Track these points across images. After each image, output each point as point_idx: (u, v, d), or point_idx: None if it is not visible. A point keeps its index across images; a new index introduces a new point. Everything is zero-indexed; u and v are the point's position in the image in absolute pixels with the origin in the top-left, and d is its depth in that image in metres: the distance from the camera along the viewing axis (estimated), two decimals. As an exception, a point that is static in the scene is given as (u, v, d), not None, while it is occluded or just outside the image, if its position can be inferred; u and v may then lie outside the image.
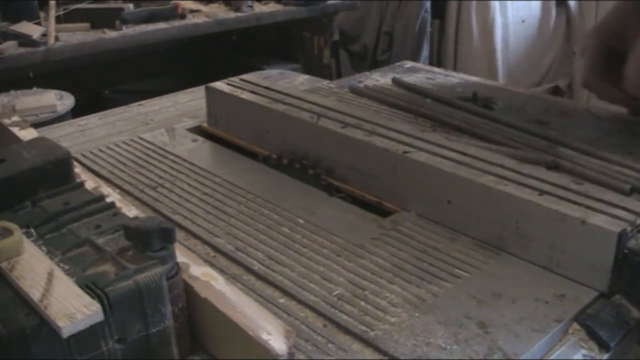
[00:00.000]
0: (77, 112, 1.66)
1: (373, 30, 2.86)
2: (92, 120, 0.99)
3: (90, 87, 2.51)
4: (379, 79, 1.12)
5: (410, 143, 0.72)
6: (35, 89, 1.88)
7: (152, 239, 0.45)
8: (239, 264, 0.61)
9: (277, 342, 0.43)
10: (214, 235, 0.66)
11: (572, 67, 3.07)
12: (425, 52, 2.79)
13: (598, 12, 2.92)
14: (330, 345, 0.50)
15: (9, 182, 0.53)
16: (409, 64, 1.23)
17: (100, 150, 0.86)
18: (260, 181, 0.78)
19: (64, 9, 2.09)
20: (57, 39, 1.95)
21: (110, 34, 2.06)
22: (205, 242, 0.65)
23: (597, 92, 0.84)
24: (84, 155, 0.85)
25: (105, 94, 2.72)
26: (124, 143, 0.88)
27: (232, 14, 2.31)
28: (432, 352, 0.49)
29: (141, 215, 0.57)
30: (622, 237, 0.54)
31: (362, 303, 0.55)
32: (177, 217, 0.69)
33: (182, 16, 2.23)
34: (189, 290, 0.48)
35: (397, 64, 1.24)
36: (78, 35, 2.03)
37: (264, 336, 0.43)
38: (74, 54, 1.98)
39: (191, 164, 0.81)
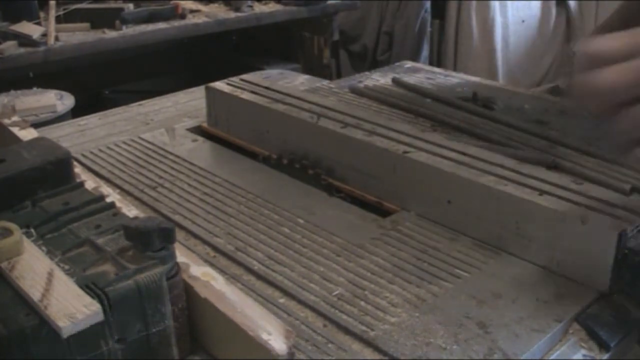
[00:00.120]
0: (77, 112, 1.66)
1: (373, 30, 2.86)
2: (92, 120, 0.99)
3: (90, 87, 2.51)
4: (379, 79, 1.12)
5: (410, 143, 0.72)
6: (35, 89, 1.88)
7: (152, 239, 0.45)
8: (239, 264, 0.61)
9: (277, 342, 0.43)
10: (214, 235, 0.66)
11: (572, 67, 3.07)
12: (425, 52, 2.79)
13: (598, 12, 2.92)
14: (330, 345, 0.50)
15: (9, 182, 0.53)
16: (409, 64, 1.23)
17: (100, 150, 0.86)
18: (260, 181, 0.78)
19: (64, 9, 2.09)
20: (57, 39, 1.95)
21: (110, 34, 2.06)
22: (205, 242, 0.65)
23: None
24: (84, 155, 0.85)
25: (105, 94, 2.72)
26: (124, 143, 0.88)
27: (232, 14, 2.31)
28: (432, 352, 0.49)
29: (141, 215, 0.57)
30: (622, 237, 0.54)
31: (362, 303, 0.55)
32: (177, 217, 0.69)
33: (182, 16, 2.23)
34: (189, 290, 0.48)
35: (397, 64, 1.24)
36: (78, 35, 2.03)
37: (264, 336, 0.43)
38: (74, 54, 1.98)
39: (191, 164, 0.81)
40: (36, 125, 0.77)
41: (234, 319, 0.45)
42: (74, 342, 0.40)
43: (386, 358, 0.49)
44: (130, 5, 2.21)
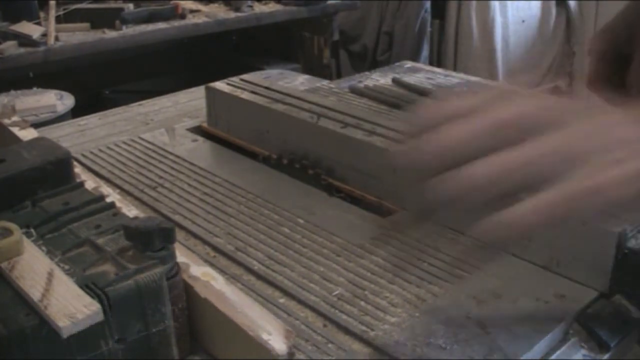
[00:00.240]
0: (77, 112, 1.66)
1: (373, 30, 2.87)
2: (92, 120, 0.99)
3: (90, 87, 2.51)
4: (379, 79, 1.12)
5: (410, 143, 0.72)
6: (35, 89, 1.88)
7: (152, 239, 0.45)
8: (239, 264, 0.61)
9: (277, 342, 0.43)
10: (214, 235, 0.66)
11: (572, 67, 3.07)
12: (425, 52, 2.79)
13: (598, 12, 2.92)
14: (330, 345, 0.50)
15: (9, 182, 0.53)
16: (409, 64, 1.23)
17: (100, 150, 0.86)
18: (260, 181, 0.78)
19: (64, 9, 2.10)
20: (57, 39, 1.96)
21: (110, 34, 2.06)
22: (205, 242, 0.65)
23: (601, 95, 0.83)
24: (84, 155, 0.85)
25: (105, 94, 2.72)
26: (124, 143, 0.88)
27: (232, 14, 2.31)
28: (432, 352, 0.49)
29: (141, 215, 0.57)
30: (622, 237, 0.54)
31: (362, 303, 0.55)
32: (177, 217, 0.69)
33: (182, 16, 2.23)
34: (189, 290, 0.48)
35: (397, 64, 1.24)
36: (78, 35, 2.03)
37: (264, 336, 0.43)
38: (74, 54, 1.98)
39: (191, 164, 0.81)
40: (36, 125, 0.77)
41: (234, 319, 0.45)
42: (74, 342, 0.40)
43: (386, 358, 0.49)
44: (130, 5, 2.21)
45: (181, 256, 0.49)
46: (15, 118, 0.72)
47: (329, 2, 2.49)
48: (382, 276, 0.58)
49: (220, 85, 0.92)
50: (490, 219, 0.39)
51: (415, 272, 0.59)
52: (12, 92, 1.85)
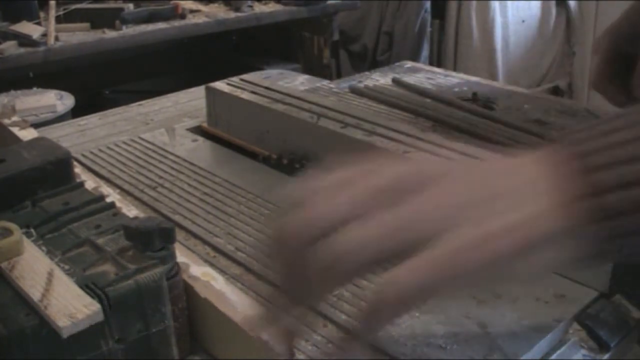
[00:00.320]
0: (77, 112, 1.66)
1: (373, 30, 2.86)
2: (92, 120, 0.99)
3: (90, 87, 2.51)
4: (379, 79, 1.12)
5: (410, 143, 0.72)
6: (35, 89, 1.88)
7: (152, 239, 0.45)
8: (239, 264, 0.61)
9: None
10: (214, 235, 0.66)
11: (572, 67, 3.07)
12: (425, 52, 2.79)
13: (598, 12, 2.92)
14: (330, 345, 0.50)
15: (9, 182, 0.53)
16: (409, 64, 1.23)
17: (100, 150, 0.86)
18: (260, 181, 0.78)
19: (64, 9, 2.10)
20: (57, 39, 1.95)
21: (110, 34, 2.06)
22: (205, 242, 0.65)
23: (605, 95, 0.83)
24: (84, 155, 0.85)
25: (105, 94, 2.72)
26: (124, 143, 0.88)
27: (232, 14, 2.31)
28: (432, 352, 0.49)
29: (141, 215, 0.57)
30: (622, 237, 0.54)
31: (362, 303, 0.55)
32: (177, 217, 0.69)
33: (182, 16, 2.23)
34: (189, 290, 0.48)
35: (397, 64, 1.24)
36: (78, 35, 2.03)
37: (264, 336, 0.43)
38: (74, 54, 1.98)
39: (191, 164, 0.81)
40: (36, 125, 0.77)
41: (234, 319, 0.45)
42: (74, 342, 0.40)
43: (386, 358, 0.49)
44: (130, 5, 2.21)
45: (181, 256, 0.49)
46: (15, 118, 0.72)
47: (329, 2, 2.49)
48: (382, 276, 0.58)
49: (220, 85, 0.92)
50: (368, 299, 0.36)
51: (415, 272, 0.59)
52: (12, 92, 1.84)
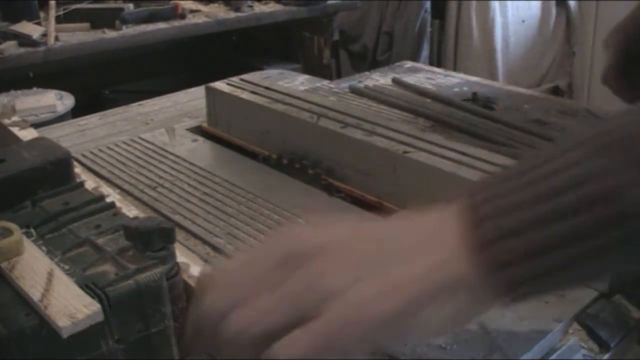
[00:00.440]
0: (77, 112, 1.66)
1: (373, 30, 2.86)
2: (92, 120, 0.99)
3: (90, 87, 2.51)
4: (379, 79, 1.12)
5: (410, 143, 0.72)
6: (35, 89, 1.87)
7: (152, 239, 0.45)
8: (239, 264, 0.61)
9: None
10: (214, 235, 0.66)
11: (572, 67, 3.07)
12: (425, 52, 2.79)
13: (598, 12, 2.92)
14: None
15: (9, 182, 0.53)
16: (409, 64, 1.23)
17: (100, 150, 0.86)
18: (260, 181, 0.78)
19: (64, 9, 2.09)
20: (57, 39, 1.95)
21: (110, 34, 2.06)
22: (205, 242, 0.65)
23: (614, 90, 0.84)
24: (84, 155, 0.85)
25: (105, 94, 2.72)
26: (124, 143, 0.88)
27: (232, 14, 2.31)
28: (432, 352, 0.49)
29: (141, 215, 0.57)
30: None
31: None
32: (177, 217, 0.69)
33: (182, 16, 2.23)
34: (189, 290, 0.48)
35: (397, 64, 1.24)
36: (78, 35, 2.03)
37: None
38: (74, 54, 1.98)
39: (191, 164, 0.81)
40: (36, 125, 0.77)
41: (234, 319, 0.45)
42: (74, 342, 0.40)
43: (386, 358, 0.49)
44: (130, 5, 2.21)
45: (181, 256, 0.49)
46: (15, 118, 0.72)
47: (329, 2, 2.49)
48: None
49: (220, 85, 0.92)
50: None
51: (415, 272, 0.59)
52: (12, 92, 1.84)
